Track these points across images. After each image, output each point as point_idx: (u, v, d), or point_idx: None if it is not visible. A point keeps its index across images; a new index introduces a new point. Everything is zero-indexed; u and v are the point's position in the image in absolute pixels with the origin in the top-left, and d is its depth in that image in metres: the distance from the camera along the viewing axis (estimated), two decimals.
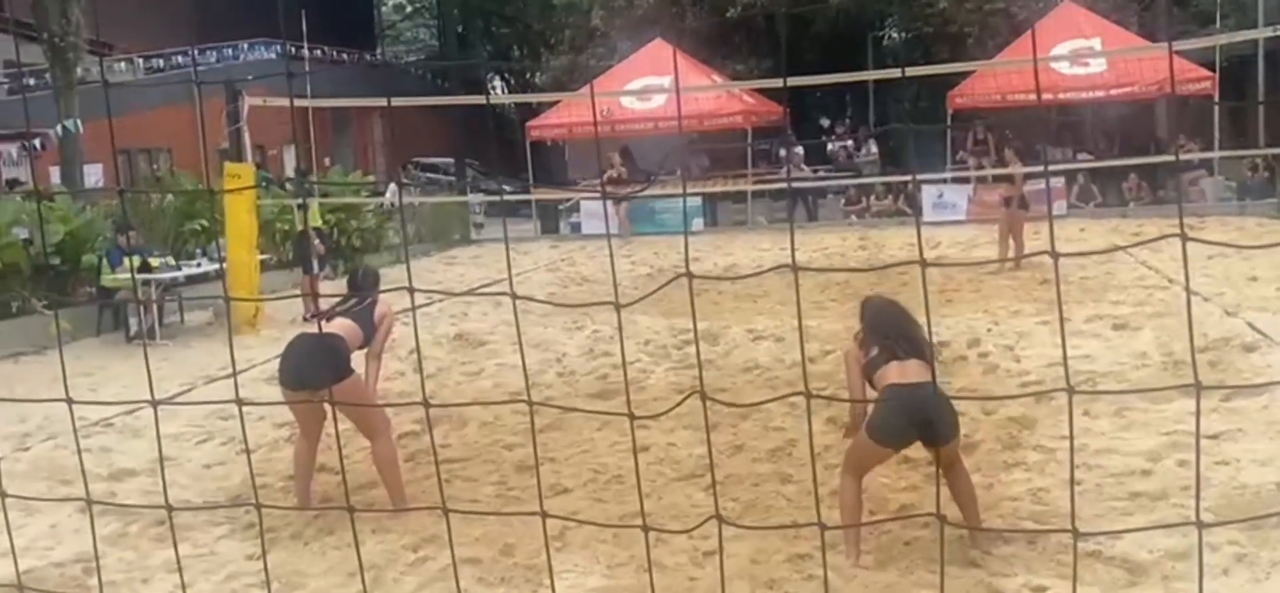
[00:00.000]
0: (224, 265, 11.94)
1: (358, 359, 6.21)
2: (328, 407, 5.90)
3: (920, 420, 4.71)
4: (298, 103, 17.23)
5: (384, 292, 6.41)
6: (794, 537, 5.13)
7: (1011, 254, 13.72)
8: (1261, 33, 18.33)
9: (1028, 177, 14.65)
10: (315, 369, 5.85)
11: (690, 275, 1.97)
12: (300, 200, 13.18)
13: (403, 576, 5.04)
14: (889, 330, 5.00)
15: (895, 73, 23.82)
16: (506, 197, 23.93)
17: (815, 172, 24.03)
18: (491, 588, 4.85)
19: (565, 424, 7.58)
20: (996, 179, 13.99)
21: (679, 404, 2.90)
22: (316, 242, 12.84)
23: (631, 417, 2.06)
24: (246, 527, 5.92)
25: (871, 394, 4.99)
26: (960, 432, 4.99)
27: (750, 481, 6.17)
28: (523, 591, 4.80)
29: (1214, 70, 20.30)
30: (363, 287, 6.48)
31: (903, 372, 4.80)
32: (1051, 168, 20.21)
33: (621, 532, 5.27)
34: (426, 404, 2.14)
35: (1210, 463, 5.76)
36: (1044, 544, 4.87)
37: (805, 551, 4.99)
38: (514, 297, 1.91)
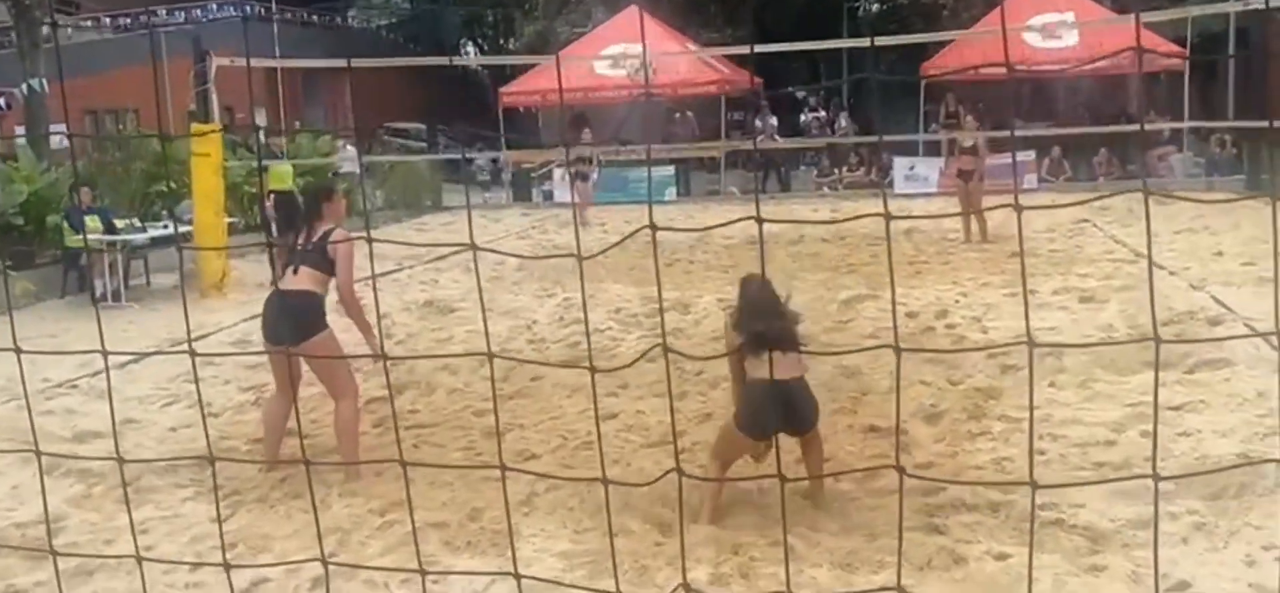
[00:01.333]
0: (190, 227, 11.83)
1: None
2: (305, 365, 5.86)
3: (787, 414, 4.95)
4: (267, 64, 17.04)
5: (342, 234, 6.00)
6: (760, 505, 5.15)
7: (975, 229, 13.72)
8: (1232, 7, 18.45)
9: (989, 148, 14.63)
10: (283, 325, 5.81)
11: (653, 228, 1.96)
12: (264, 163, 13.04)
13: (369, 539, 5.03)
14: (759, 319, 5.02)
15: (865, 42, 23.81)
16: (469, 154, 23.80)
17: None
18: (457, 552, 4.84)
19: (534, 392, 7.58)
20: (963, 151, 13.91)
21: (641, 357, 2.87)
22: (270, 205, 12.65)
23: (593, 370, 2.06)
24: (211, 490, 5.89)
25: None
26: (819, 418, 5.18)
27: None
28: (489, 554, 4.80)
29: (1185, 46, 20.41)
30: (309, 210, 6.23)
31: (771, 365, 4.86)
32: (1020, 137, 20.31)
33: (588, 497, 5.28)
34: (385, 357, 2.13)
35: (1172, 434, 5.83)
36: (1007, 512, 4.92)
37: (774, 518, 5.01)
38: (475, 249, 1.89)
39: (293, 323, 5.75)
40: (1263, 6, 14.79)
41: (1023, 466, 5.62)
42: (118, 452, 2.58)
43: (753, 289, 5.24)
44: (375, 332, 6.06)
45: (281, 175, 12.87)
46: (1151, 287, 1.86)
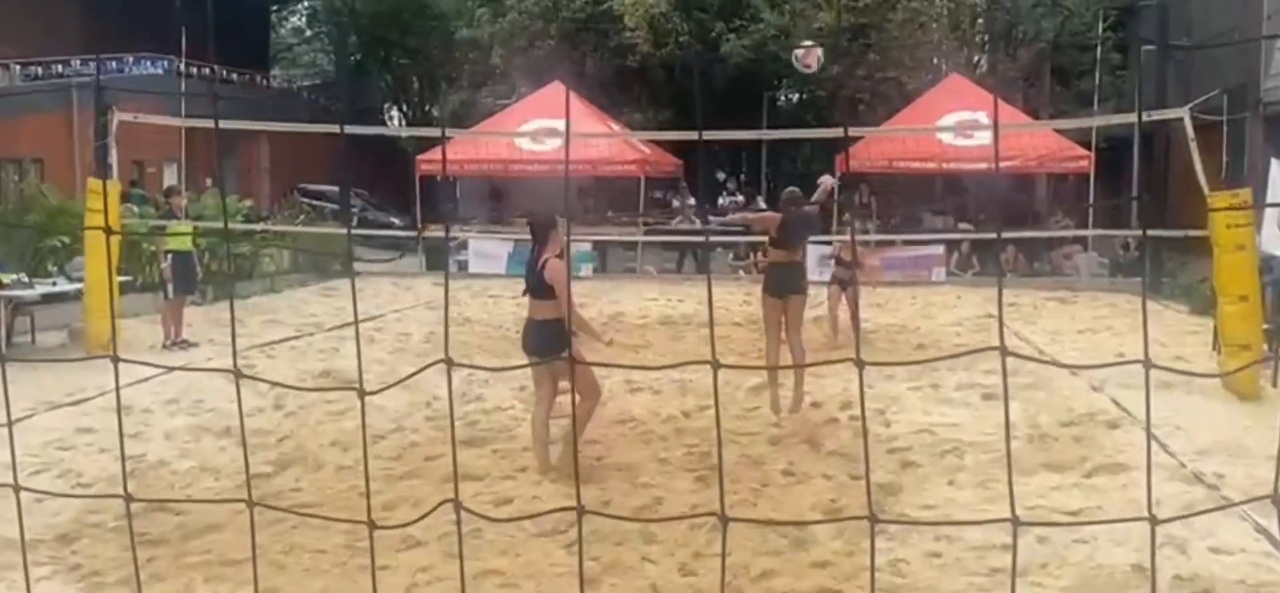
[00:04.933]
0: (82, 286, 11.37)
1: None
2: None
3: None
4: (175, 122, 16.63)
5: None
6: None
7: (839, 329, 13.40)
8: (1138, 118, 19.08)
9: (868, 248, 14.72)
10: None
11: (449, 364, 1.84)
12: (161, 222, 12.65)
13: None
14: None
15: (783, 133, 24.16)
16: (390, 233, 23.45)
17: (707, 224, 24.14)
18: None
19: (427, 472, 7.34)
20: (839, 262, 13.78)
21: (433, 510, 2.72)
22: (165, 265, 12.27)
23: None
24: (71, 569, 5.54)
25: None
26: None
27: (613, 539, 5.99)
28: None
29: (1091, 150, 21.02)
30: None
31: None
32: (934, 237, 20.66)
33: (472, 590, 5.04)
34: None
35: (1069, 541, 5.78)
36: None
37: None
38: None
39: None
40: (1167, 117, 15.26)
41: (918, 569, 5.52)
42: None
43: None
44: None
45: (180, 235, 12.48)
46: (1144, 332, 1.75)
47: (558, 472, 7.14)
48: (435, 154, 24.66)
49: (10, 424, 2.41)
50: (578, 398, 6.73)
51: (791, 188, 9.91)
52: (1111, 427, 8.50)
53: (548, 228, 7.39)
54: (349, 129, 20.95)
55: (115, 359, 2.03)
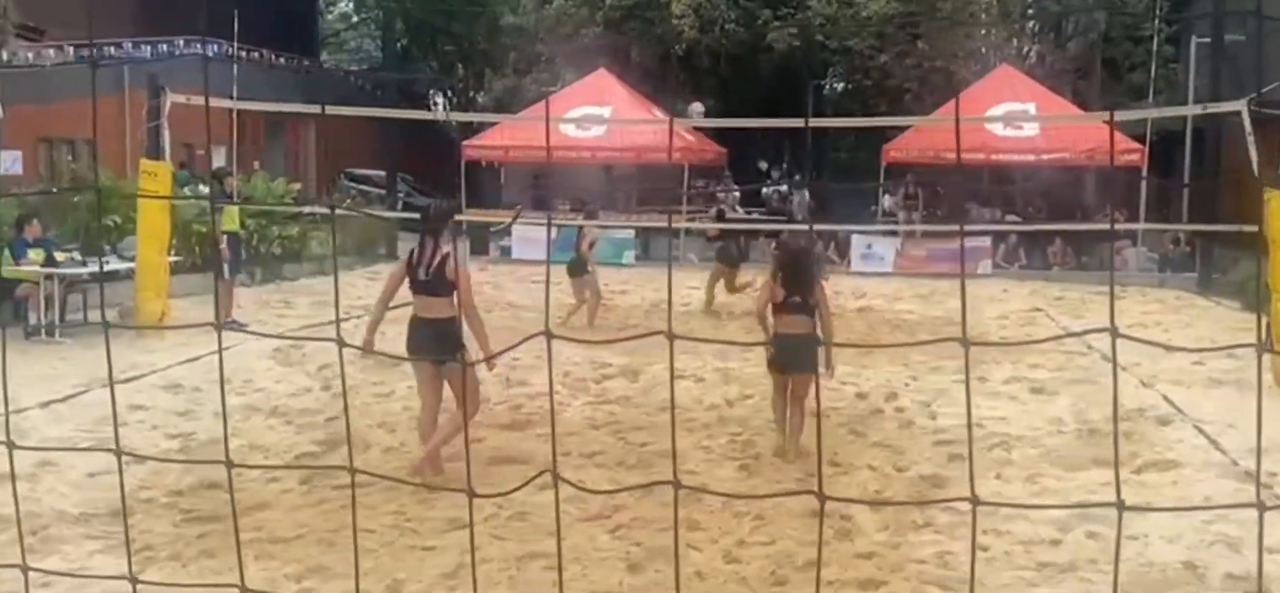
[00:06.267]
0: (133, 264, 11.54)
1: None
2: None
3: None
4: (224, 104, 16.80)
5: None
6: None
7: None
8: (1191, 110, 18.77)
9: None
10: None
11: (548, 336, 1.84)
12: (214, 202, 12.79)
13: None
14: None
15: (828, 121, 24.02)
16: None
17: (748, 214, 24.09)
18: None
19: (474, 454, 7.37)
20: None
21: (532, 480, 2.73)
22: (223, 246, 12.43)
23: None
24: (123, 543, 5.62)
25: None
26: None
27: (657, 524, 5.99)
28: None
29: (1144, 144, 20.72)
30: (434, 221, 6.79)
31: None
32: (978, 227, 20.46)
33: (517, 573, 5.08)
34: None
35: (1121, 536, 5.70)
36: None
37: None
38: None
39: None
40: (1218, 111, 15.00)
41: (965, 561, 5.47)
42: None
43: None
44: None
45: (230, 216, 12.64)
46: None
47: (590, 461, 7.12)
48: (480, 140, 24.78)
49: (113, 385, 2.45)
50: (456, 406, 6.45)
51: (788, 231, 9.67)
52: (1162, 423, 8.38)
53: (445, 220, 6.88)
54: (396, 113, 20.98)
55: (218, 328, 2.12)
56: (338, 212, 16.92)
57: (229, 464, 2.03)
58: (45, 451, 6.51)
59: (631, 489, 5.82)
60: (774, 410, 7.60)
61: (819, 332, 7.22)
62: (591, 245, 13.81)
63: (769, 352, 7.34)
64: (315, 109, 21.47)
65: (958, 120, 2.36)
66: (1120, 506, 1.67)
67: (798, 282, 7.28)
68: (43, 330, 11.13)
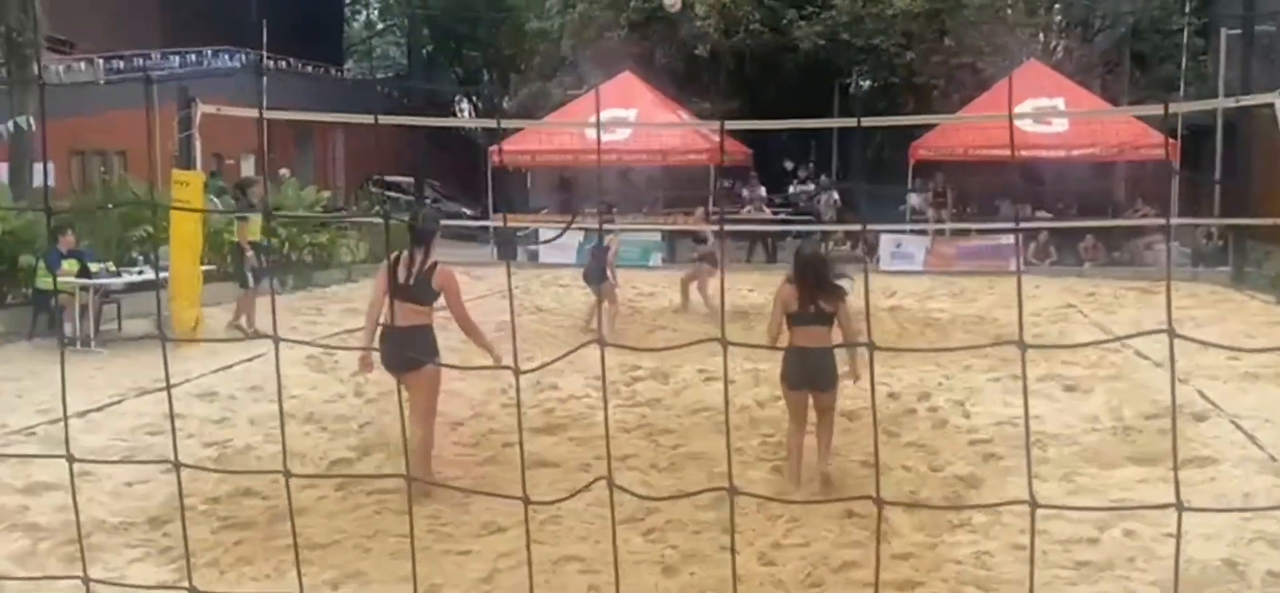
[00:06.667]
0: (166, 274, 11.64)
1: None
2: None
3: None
4: (250, 114, 16.92)
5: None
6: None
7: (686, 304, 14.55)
8: (1221, 102, 18.57)
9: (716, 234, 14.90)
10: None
11: (602, 343, 1.84)
12: (240, 212, 12.92)
13: None
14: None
15: (852, 122, 23.88)
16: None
17: (776, 214, 24.05)
18: None
19: (506, 459, 7.39)
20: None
21: (588, 486, 2.72)
22: (249, 254, 12.54)
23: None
24: (162, 551, 5.67)
25: None
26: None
27: (691, 527, 6.00)
28: None
29: (1175, 137, 20.51)
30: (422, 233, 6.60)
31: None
32: (1014, 225, 20.31)
33: (553, 579, 5.09)
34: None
35: (1158, 535, 5.66)
36: None
37: None
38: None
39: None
40: (1255, 103, 14.85)
41: (1001, 561, 5.44)
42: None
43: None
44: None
45: (253, 226, 12.78)
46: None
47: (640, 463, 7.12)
48: (506, 145, 24.83)
49: (167, 389, 2.48)
50: (414, 420, 6.37)
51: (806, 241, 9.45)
52: (1198, 420, 8.30)
53: (433, 232, 6.74)
54: (423, 122, 21.09)
55: (277, 340, 2.21)
56: (384, 219, 16.97)
57: (287, 474, 2.05)
58: (104, 463, 6.57)
59: (688, 496, 5.81)
60: (788, 443, 6.92)
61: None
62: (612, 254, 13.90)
63: (783, 367, 6.76)
64: (366, 119, 21.49)
65: (1010, 114, 2.34)
66: (1180, 506, 1.65)
67: (816, 290, 6.67)
68: (78, 341, 11.24)
